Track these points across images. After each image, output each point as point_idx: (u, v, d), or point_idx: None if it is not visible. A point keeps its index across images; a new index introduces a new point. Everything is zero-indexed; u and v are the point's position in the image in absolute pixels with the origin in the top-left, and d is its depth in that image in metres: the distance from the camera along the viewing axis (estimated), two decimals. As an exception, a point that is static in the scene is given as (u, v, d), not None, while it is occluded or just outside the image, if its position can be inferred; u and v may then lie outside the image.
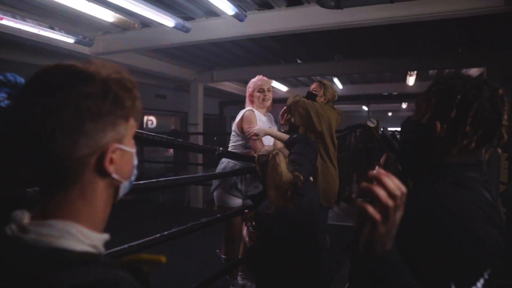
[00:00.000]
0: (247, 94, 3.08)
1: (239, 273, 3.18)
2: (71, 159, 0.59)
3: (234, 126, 3.02)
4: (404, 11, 3.87)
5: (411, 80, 8.42)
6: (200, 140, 8.34)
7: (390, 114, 16.48)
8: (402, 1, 3.73)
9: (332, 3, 3.87)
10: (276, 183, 2.03)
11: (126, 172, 0.70)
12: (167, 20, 4.14)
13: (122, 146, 0.66)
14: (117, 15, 4.41)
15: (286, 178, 2.03)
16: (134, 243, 1.79)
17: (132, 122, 0.69)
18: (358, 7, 3.92)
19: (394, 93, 10.03)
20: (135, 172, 0.74)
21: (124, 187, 0.71)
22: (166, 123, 10.18)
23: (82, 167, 0.61)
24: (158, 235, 1.94)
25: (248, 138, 2.83)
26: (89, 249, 0.62)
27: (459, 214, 0.85)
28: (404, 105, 13.34)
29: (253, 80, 3.06)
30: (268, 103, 3.03)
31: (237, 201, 2.99)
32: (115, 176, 0.65)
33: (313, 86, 3.13)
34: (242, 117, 2.92)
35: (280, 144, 2.80)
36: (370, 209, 0.69)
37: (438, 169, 0.97)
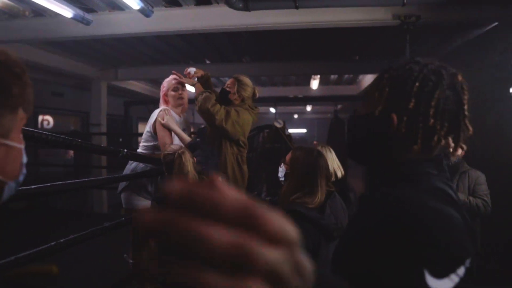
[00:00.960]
0: (161, 94, 2.97)
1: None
2: None
3: (148, 127, 2.88)
4: (308, 18, 4.10)
5: (314, 84, 8.92)
6: (103, 142, 7.83)
7: (296, 116, 17.32)
8: (307, 7, 3.93)
9: (240, 5, 3.93)
10: None
11: (12, 171, 0.60)
12: (65, 10, 3.80)
13: (7, 142, 0.57)
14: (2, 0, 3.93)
15: (192, 178, 1.97)
16: (22, 254, 1.59)
17: (21, 114, 0.60)
18: (265, 11, 4.03)
19: (299, 96, 10.55)
20: (23, 171, 0.64)
21: (10, 188, 0.61)
22: (64, 123, 9.36)
23: None
24: (53, 243, 1.76)
25: (160, 144, 2.71)
26: None
27: (425, 222, 0.73)
28: (308, 108, 14.11)
29: (167, 79, 2.96)
30: (183, 101, 2.95)
31: (146, 203, 2.87)
32: None
33: (228, 82, 2.88)
34: (156, 118, 2.81)
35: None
36: None
37: (398, 170, 0.84)
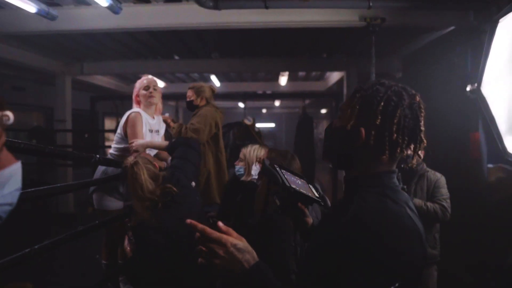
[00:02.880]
0: (134, 95, 2.94)
1: (120, 278, 3.04)
2: None
3: (119, 128, 2.84)
4: (277, 17, 4.17)
5: (283, 80, 9.03)
6: (69, 138, 7.60)
7: (264, 111, 17.44)
8: (276, 8, 3.99)
9: (211, 4, 3.94)
10: (137, 194, 1.89)
11: None
12: (28, 5, 3.67)
13: None
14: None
15: (148, 188, 1.89)
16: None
17: None
18: (235, 10, 4.06)
19: (268, 92, 10.63)
20: (0, 201, 0.64)
21: None
22: (26, 119, 9.00)
23: None
24: (27, 250, 1.74)
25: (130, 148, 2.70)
26: None
27: (386, 227, 0.84)
28: (277, 103, 14.24)
29: (139, 80, 2.95)
30: (155, 101, 2.91)
31: (118, 204, 2.85)
32: None
33: (188, 94, 3.37)
34: (127, 119, 2.77)
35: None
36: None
37: (367, 179, 0.97)
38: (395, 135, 0.91)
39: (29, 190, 1.89)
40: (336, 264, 0.84)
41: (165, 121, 3.16)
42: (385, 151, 0.93)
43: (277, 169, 1.17)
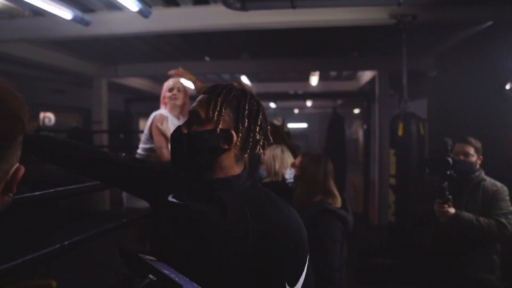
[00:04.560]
0: (161, 96, 2.99)
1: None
2: None
3: (146, 130, 2.91)
4: (305, 17, 4.13)
5: (314, 80, 8.95)
6: (105, 138, 7.88)
7: (296, 111, 17.34)
8: (304, 7, 3.95)
9: (238, 5, 3.95)
10: None
11: (15, 186, 0.66)
12: (64, 12, 3.84)
13: (18, 165, 0.64)
14: (1, 1, 3.96)
15: None
16: (28, 257, 1.66)
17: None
18: (262, 10, 4.06)
19: (299, 92, 10.57)
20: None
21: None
22: (66, 120, 9.42)
23: None
24: (57, 246, 1.82)
25: (156, 148, 2.76)
26: None
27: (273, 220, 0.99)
28: (309, 103, 14.13)
29: (166, 81, 2.98)
30: (178, 102, 2.90)
31: (146, 203, 2.92)
32: (11, 194, 0.63)
33: None
34: (152, 120, 2.82)
35: None
36: None
37: (226, 182, 1.05)
38: (258, 135, 1.03)
39: (67, 188, 2.00)
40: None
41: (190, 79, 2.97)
42: (247, 150, 1.05)
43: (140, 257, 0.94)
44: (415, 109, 4.36)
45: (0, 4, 4.02)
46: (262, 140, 1.05)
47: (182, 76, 2.89)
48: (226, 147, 1.02)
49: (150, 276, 0.82)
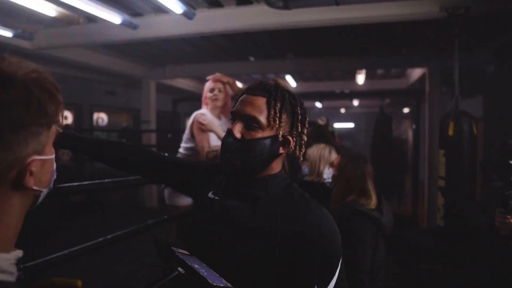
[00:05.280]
0: (203, 97, 3.03)
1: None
2: None
3: (187, 129, 2.96)
4: (349, 14, 4.02)
5: (360, 79, 8.72)
6: (153, 138, 8.17)
7: (342, 110, 16.99)
8: (348, 4, 3.85)
9: (280, 4, 3.93)
10: None
11: (46, 180, 0.65)
12: (113, 17, 4.02)
13: (43, 157, 0.61)
14: (60, 9, 4.23)
15: None
16: (75, 248, 1.75)
17: (54, 129, 0.63)
18: (305, 8, 4.01)
19: (345, 91, 10.34)
20: (54, 176, 0.69)
21: (43, 194, 0.67)
22: (117, 120, 9.89)
23: None
24: (101, 239, 1.90)
25: (197, 148, 2.80)
26: None
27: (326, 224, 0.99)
28: (355, 102, 13.79)
29: (208, 82, 3.02)
30: (219, 103, 2.91)
31: (187, 200, 2.98)
32: (35, 187, 0.60)
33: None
34: (193, 120, 2.86)
35: None
36: None
37: (277, 177, 1.08)
38: (305, 137, 1.07)
39: (114, 180, 2.12)
40: None
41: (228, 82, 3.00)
42: (299, 154, 1.08)
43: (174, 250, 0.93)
44: (469, 107, 4.12)
45: (57, 13, 4.28)
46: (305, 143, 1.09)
47: (220, 80, 2.92)
48: (282, 152, 1.05)
49: (179, 269, 0.83)
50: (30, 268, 1.45)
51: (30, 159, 0.58)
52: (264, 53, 6.79)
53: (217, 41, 5.78)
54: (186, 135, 2.95)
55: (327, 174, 2.48)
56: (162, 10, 4.28)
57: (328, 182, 2.44)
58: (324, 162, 2.59)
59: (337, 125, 15.39)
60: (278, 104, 1.00)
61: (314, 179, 2.60)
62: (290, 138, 1.03)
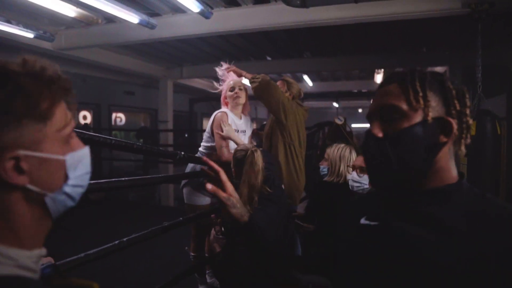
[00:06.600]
0: (222, 96, 3.04)
1: (207, 271, 3.17)
2: None
3: (207, 128, 2.97)
4: (368, 11, 3.93)
5: (378, 78, 8.57)
6: (170, 137, 8.22)
7: (360, 110, 16.79)
8: (366, 1, 3.78)
9: (298, 2, 3.88)
10: (251, 181, 1.94)
11: (52, 182, 0.60)
12: (131, 17, 4.04)
13: (35, 153, 0.56)
14: (79, 10, 4.27)
15: (261, 178, 1.95)
16: (91, 252, 1.74)
17: (57, 124, 0.59)
18: (323, 6, 3.95)
19: (363, 91, 10.20)
20: (72, 182, 0.63)
21: (55, 200, 0.61)
22: (135, 120, 9.99)
23: None
24: (116, 242, 1.89)
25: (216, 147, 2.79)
26: (15, 271, 0.55)
27: None
28: (373, 102, 13.60)
29: (226, 81, 3.02)
30: (241, 101, 2.95)
31: (205, 200, 2.98)
32: (31, 187, 0.57)
33: (278, 82, 3.13)
34: (214, 119, 2.87)
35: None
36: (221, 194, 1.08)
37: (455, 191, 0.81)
38: (470, 120, 0.80)
39: (133, 178, 2.10)
40: None
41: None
42: (461, 144, 0.80)
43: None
44: (492, 106, 3.98)
45: (77, 13, 4.33)
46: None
47: (232, 71, 2.96)
48: (445, 140, 0.79)
49: None
50: (60, 266, 1.45)
51: (13, 153, 0.54)
52: (281, 52, 6.74)
53: (234, 40, 5.77)
54: (207, 133, 2.95)
55: (354, 177, 2.33)
56: (179, 9, 4.29)
57: (356, 186, 2.29)
58: (345, 163, 2.54)
59: (355, 125, 15.20)
60: (417, 83, 0.79)
61: (334, 179, 2.56)
62: (450, 119, 0.78)
